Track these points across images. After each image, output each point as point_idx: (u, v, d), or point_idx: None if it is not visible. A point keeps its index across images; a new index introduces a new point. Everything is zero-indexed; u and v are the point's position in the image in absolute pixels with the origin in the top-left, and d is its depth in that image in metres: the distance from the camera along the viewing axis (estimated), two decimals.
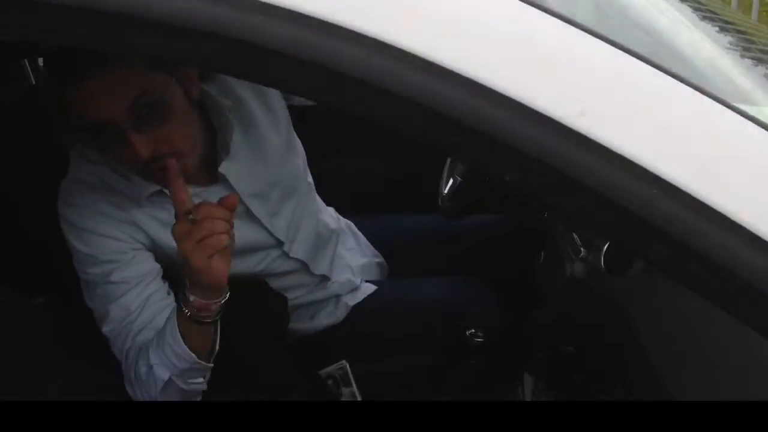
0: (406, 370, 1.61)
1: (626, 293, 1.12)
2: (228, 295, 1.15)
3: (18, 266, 1.40)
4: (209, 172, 1.33)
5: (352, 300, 1.61)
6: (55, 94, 1.15)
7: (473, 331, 1.43)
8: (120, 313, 1.24)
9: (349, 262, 1.69)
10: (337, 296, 1.61)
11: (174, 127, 1.16)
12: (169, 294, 1.29)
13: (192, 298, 1.13)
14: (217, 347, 1.21)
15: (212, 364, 1.21)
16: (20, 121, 1.52)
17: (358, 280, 1.64)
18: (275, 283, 1.47)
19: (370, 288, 1.63)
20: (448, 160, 1.78)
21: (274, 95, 1.45)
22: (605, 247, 1.11)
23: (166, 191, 1.24)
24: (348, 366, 1.52)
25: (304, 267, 1.52)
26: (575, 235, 1.22)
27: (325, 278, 1.58)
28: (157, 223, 1.29)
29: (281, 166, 1.45)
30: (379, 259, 1.77)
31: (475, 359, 1.43)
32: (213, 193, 1.29)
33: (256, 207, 1.38)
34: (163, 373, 1.19)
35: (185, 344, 1.16)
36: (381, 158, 2.11)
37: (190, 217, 1.05)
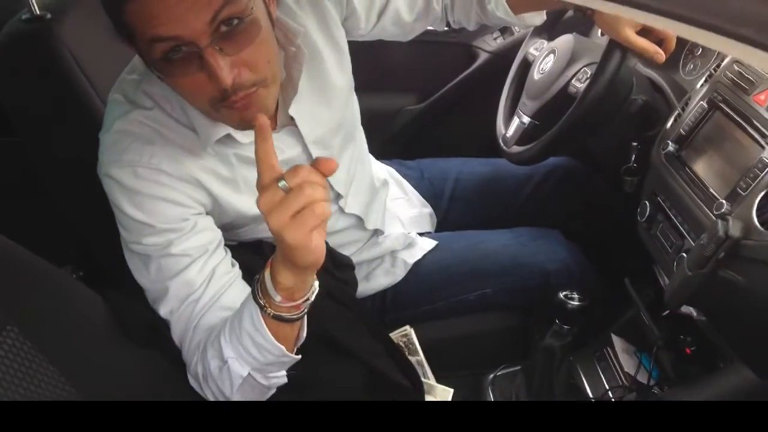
0: (479, 334, 1.45)
1: None
2: (317, 288, 0.96)
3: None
4: (273, 114, 1.12)
5: (411, 257, 1.44)
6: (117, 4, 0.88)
7: (568, 293, 1.27)
8: (182, 290, 1.03)
9: (398, 214, 1.54)
10: (393, 252, 1.45)
11: (259, 50, 0.92)
12: (233, 265, 1.09)
13: (278, 298, 0.92)
14: (305, 334, 1.01)
15: (300, 356, 1.02)
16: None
17: (413, 234, 1.47)
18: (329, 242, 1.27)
19: (429, 243, 1.47)
20: (505, 94, 1.61)
21: (339, 29, 1.23)
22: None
23: (236, 136, 1.06)
24: (413, 332, 1.36)
25: (359, 222, 1.36)
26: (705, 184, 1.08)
27: (378, 232, 1.42)
28: (218, 180, 1.08)
29: (344, 110, 1.27)
30: (428, 209, 1.62)
31: (570, 324, 1.27)
32: (280, 141, 1.13)
33: (319, 155, 1.17)
34: (241, 369, 0.99)
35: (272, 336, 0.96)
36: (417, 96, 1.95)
37: (282, 184, 0.83)
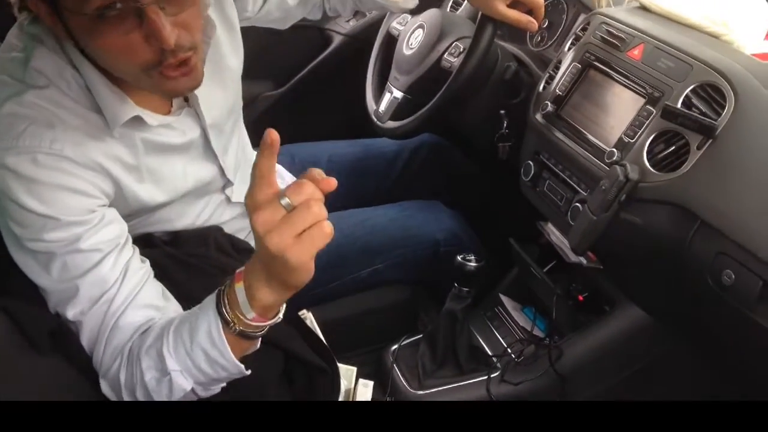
0: (375, 310, 1.45)
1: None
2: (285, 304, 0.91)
3: None
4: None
5: None
6: None
7: (464, 255, 1.30)
8: (94, 288, 0.93)
9: None
10: None
11: (195, 13, 0.88)
12: (143, 261, 1.00)
13: (251, 316, 0.86)
14: (258, 346, 0.95)
15: (250, 371, 0.96)
16: None
17: None
18: None
19: None
20: (371, 70, 1.62)
21: (232, 8, 1.18)
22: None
23: (146, 118, 0.98)
24: (311, 315, 1.33)
25: (244, 212, 1.28)
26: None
27: None
28: (123, 167, 0.99)
29: (236, 93, 1.22)
30: None
31: (468, 286, 1.31)
32: (181, 123, 1.07)
33: (214, 140, 1.13)
34: (185, 383, 0.92)
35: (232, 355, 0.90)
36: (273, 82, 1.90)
37: (286, 201, 0.76)
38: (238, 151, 1.24)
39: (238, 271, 0.86)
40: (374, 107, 1.58)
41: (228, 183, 1.21)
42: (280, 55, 1.96)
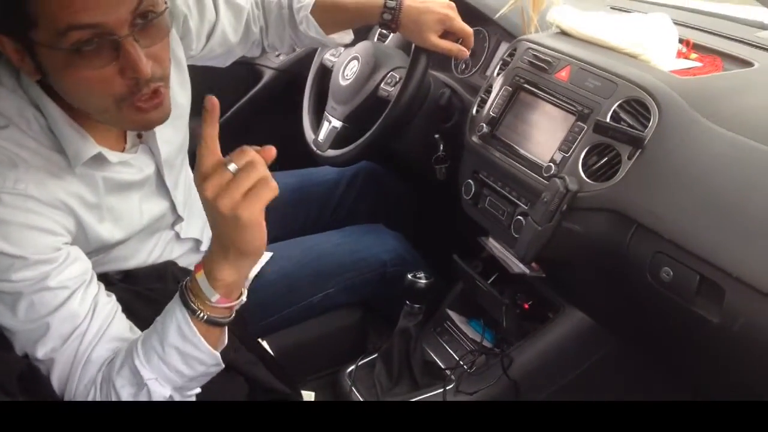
0: (329, 334, 1.48)
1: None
2: (246, 289, 0.97)
3: None
4: (130, 134, 1.09)
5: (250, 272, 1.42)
6: None
7: (415, 273, 1.36)
8: (65, 325, 0.94)
9: None
10: None
11: (166, 46, 0.93)
12: (110, 295, 1.02)
13: (215, 297, 0.91)
14: (226, 339, 1.00)
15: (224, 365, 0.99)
16: None
17: None
18: None
19: (264, 255, 1.45)
20: (307, 101, 1.67)
21: (179, 45, 1.22)
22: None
23: (108, 155, 1.01)
24: (266, 344, 1.35)
25: (196, 245, 1.31)
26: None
27: None
28: (84, 205, 1.00)
29: (185, 129, 1.25)
30: None
31: (420, 303, 1.36)
32: (138, 160, 1.10)
33: (167, 176, 1.17)
34: (163, 389, 0.95)
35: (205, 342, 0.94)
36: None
37: (232, 166, 0.84)
38: (186, 187, 1.26)
39: (196, 264, 0.93)
40: (312, 137, 1.63)
41: (178, 218, 1.23)
42: (212, 92, 1.97)
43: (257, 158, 0.85)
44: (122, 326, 1.00)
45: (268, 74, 2.00)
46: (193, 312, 0.91)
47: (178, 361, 0.93)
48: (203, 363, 0.95)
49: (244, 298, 0.95)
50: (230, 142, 2.08)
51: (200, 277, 0.91)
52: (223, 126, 2.06)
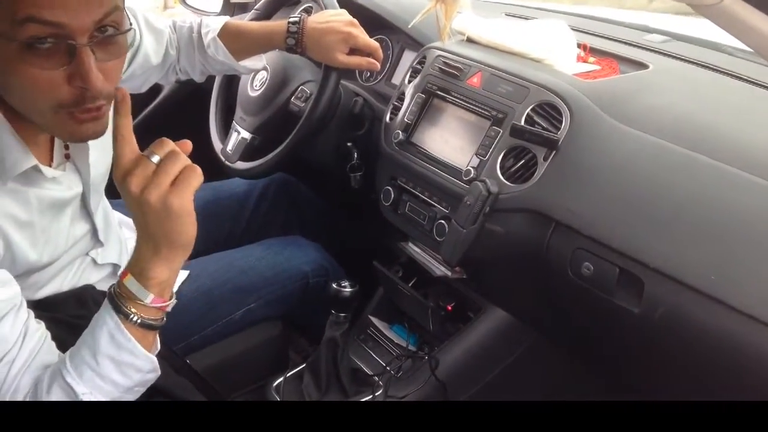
0: (252, 348, 1.46)
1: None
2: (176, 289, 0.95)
3: None
4: (49, 149, 1.03)
5: None
6: None
7: (339, 282, 1.36)
8: None
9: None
10: None
11: (119, 66, 0.91)
12: (39, 322, 0.96)
13: (149, 298, 0.89)
14: (159, 346, 0.98)
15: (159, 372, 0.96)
16: None
17: None
18: None
19: (181, 274, 1.41)
20: (213, 110, 1.65)
21: None
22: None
23: (44, 169, 0.97)
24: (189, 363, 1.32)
25: (114, 269, 1.26)
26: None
27: None
28: (15, 223, 0.95)
29: (110, 156, 1.18)
30: None
31: (345, 311, 1.36)
32: (66, 178, 1.05)
33: (92, 198, 1.13)
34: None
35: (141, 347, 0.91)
36: None
37: (155, 157, 0.84)
38: (103, 213, 1.21)
39: (119, 272, 0.92)
40: (221, 146, 1.60)
41: (97, 243, 1.18)
42: None
43: (176, 147, 0.86)
44: (51, 354, 0.94)
45: (167, 87, 1.95)
46: (126, 316, 0.88)
47: (113, 370, 0.90)
48: (140, 370, 0.92)
49: (175, 299, 0.93)
50: None
51: (128, 280, 0.89)
52: None
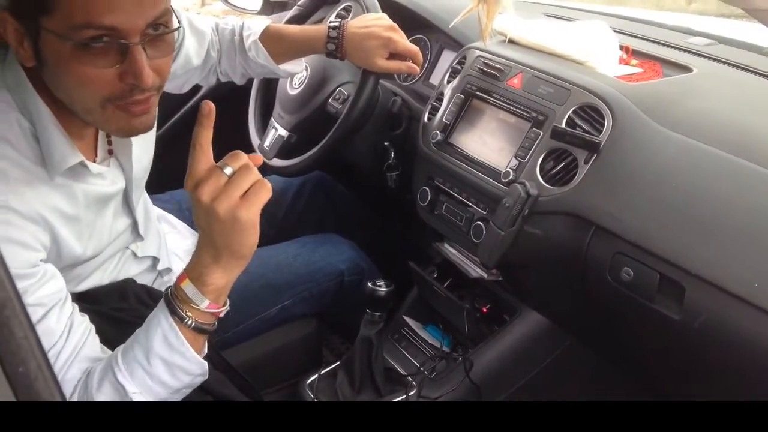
0: (287, 346, 1.47)
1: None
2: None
3: None
4: (94, 144, 1.06)
5: None
6: None
7: (375, 281, 1.36)
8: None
9: (173, 249, 1.47)
10: None
11: (169, 62, 0.95)
12: (83, 315, 0.99)
13: (205, 303, 0.92)
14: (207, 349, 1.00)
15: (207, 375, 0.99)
16: None
17: None
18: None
19: None
20: (252, 106, 1.66)
21: None
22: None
23: (90, 165, 1.00)
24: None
25: (154, 263, 1.28)
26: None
27: (167, 271, 1.35)
28: (62, 218, 0.97)
29: (152, 152, 1.23)
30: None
31: (380, 311, 1.36)
32: (111, 173, 1.08)
33: (133, 194, 1.15)
34: None
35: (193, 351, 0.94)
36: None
37: (228, 170, 0.86)
38: (143, 207, 1.24)
39: (178, 275, 0.94)
40: (258, 142, 1.61)
41: (138, 237, 1.20)
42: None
43: (248, 161, 0.88)
44: (96, 347, 0.97)
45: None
46: (181, 319, 0.91)
47: (164, 371, 0.92)
48: (189, 372, 0.94)
49: (228, 306, 0.96)
50: (176, 153, 2.05)
51: (186, 284, 0.91)
52: (164, 137, 2.03)
